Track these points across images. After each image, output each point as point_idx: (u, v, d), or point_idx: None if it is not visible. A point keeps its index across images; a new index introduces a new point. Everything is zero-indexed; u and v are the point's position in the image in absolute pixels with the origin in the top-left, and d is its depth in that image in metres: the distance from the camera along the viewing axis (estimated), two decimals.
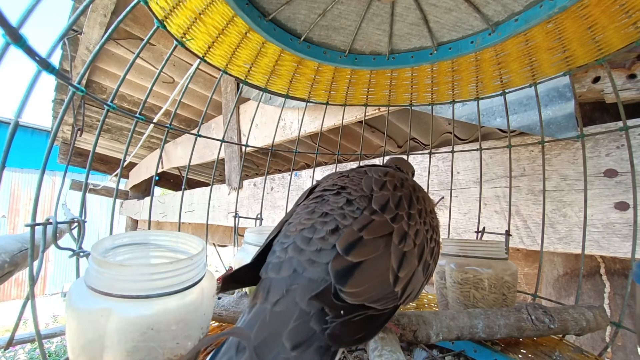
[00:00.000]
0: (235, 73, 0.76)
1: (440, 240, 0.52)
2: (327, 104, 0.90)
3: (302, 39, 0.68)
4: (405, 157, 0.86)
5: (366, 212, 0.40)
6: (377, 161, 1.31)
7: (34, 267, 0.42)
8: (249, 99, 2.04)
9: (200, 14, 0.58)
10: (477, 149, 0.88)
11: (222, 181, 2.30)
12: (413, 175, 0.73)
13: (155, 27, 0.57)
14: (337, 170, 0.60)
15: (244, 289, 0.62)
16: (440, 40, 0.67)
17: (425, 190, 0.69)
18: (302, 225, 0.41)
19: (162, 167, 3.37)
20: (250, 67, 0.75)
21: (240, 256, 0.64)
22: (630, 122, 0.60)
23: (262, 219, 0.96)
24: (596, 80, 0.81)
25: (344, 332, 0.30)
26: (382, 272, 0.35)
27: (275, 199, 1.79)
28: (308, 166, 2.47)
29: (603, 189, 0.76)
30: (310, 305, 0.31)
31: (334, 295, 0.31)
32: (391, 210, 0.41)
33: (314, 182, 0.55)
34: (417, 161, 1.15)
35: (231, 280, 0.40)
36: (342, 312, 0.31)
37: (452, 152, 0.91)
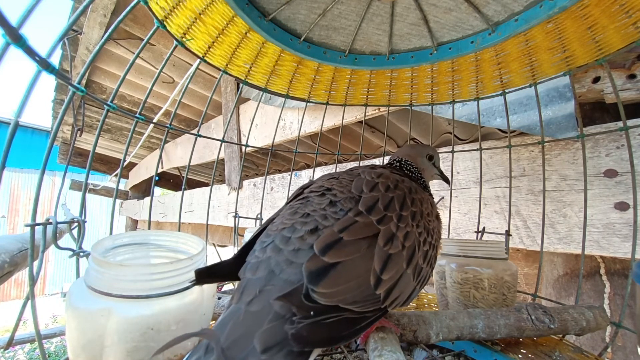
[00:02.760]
0: (235, 73, 0.76)
1: (440, 243, 0.52)
2: (327, 104, 0.90)
3: (302, 39, 0.67)
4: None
5: (350, 213, 0.40)
6: (377, 161, 1.31)
7: (34, 267, 0.42)
8: (249, 99, 2.04)
9: (200, 14, 0.58)
10: (477, 149, 0.88)
11: (222, 181, 2.30)
12: (431, 159, 0.67)
13: (155, 27, 0.57)
14: (336, 171, 0.59)
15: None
16: (440, 40, 0.67)
17: None
18: (283, 225, 0.41)
19: (162, 167, 3.37)
20: (250, 67, 0.75)
21: None
22: (630, 122, 0.60)
23: (262, 219, 0.96)
24: (596, 80, 0.82)
25: (312, 333, 0.29)
26: (361, 274, 0.35)
27: (275, 199, 1.79)
28: (308, 166, 2.47)
29: (603, 189, 0.76)
30: (284, 308, 0.30)
31: (305, 296, 0.31)
32: (379, 212, 0.40)
33: (309, 181, 0.55)
34: None
35: (206, 275, 0.39)
36: (311, 313, 0.30)
37: (452, 152, 0.91)
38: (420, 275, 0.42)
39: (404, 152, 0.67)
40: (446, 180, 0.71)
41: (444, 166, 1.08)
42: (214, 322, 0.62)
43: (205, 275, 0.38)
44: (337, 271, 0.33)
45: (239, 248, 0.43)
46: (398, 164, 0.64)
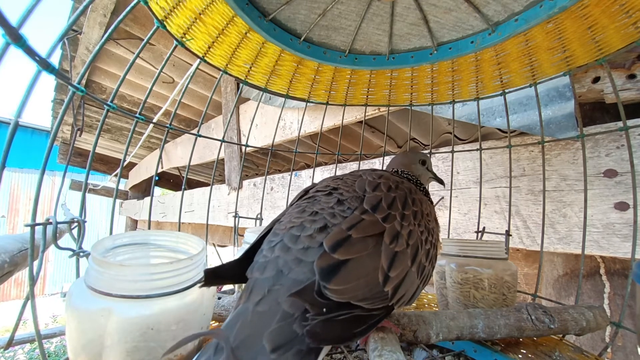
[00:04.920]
0: (235, 73, 0.76)
1: (440, 243, 0.52)
2: (327, 104, 0.90)
3: (302, 39, 0.67)
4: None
5: (357, 211, 0.40)
6: (377, 161, 1.31)
7: (34, 267, 0.42)
8: (249, 99, 2.04)
9: (200, 14, 0.58)
10: (477, 149, 0.88)
11: (222, 181, 2.30)
12: (424, 163, 0.70)
13: (155, 27, 0.57)
14: (337, 171, 0.59)
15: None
16: (440, 40, 0.67)
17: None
18: (292, 223, 0.41)
19: (162, 167, 3.37)
20: (250, 67, 0.75)
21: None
22: (630, 122, 0.60)
23: (262, 219, 0.96)
24: (596, 80, 0.81)
25: (325, 330, 0.29)
26: (370, 271, 0.35)
27: (275, 199, 1.79)
28: (308, 166, 2.47)
29: (603, 189, 0.76)
30: (293, 307, 0.30)
31: (317, 293, 0.31)
32: (383, 210, 0.41)
33: (312, 183, 0.55)
34: None
35: (213, 276, 0.38)
36: (324, 310, 0.30)
37: (452, 152, 0.91)
38: (423, 273, 0.42)
39: (397, 162, 0.68)
40: (440, 181, 0.73)
41: (445, 166, 1.08)
42: (214, 322, 0.62)
43: (213, 276, 0.38)
44: (348, 268, 0.34)
45: (239, 248, 0.43)
46: (396, 173, 0.65)
